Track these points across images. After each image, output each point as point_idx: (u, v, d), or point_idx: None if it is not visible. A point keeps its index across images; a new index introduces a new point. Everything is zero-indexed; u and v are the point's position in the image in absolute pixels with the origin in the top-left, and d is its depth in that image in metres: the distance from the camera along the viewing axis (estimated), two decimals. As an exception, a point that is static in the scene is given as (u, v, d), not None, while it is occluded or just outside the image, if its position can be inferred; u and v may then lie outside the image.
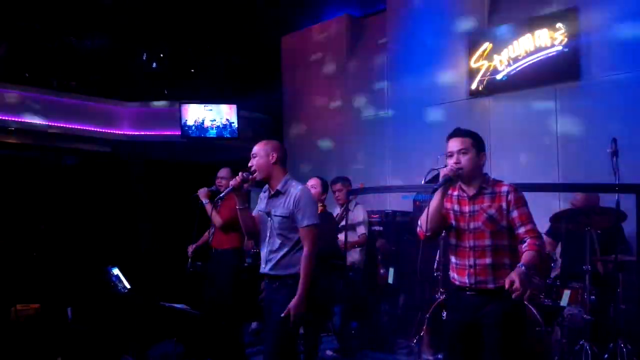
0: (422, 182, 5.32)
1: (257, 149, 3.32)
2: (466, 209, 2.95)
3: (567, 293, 4.36)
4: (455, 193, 3.02)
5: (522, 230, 2.82)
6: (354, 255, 5.59)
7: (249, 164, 3.30)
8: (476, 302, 2.88)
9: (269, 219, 3.28)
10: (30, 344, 5.33)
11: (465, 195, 2.97)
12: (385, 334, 5.68)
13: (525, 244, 2.80)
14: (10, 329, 5.75)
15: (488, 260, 2.86)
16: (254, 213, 3.42)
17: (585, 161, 5.37)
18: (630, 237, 4.41)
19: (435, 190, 2.92)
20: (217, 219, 5.17)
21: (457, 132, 2.98)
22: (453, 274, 3.04)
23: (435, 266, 4.98)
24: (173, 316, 4.95)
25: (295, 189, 3.25)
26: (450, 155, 2.94)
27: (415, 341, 4.94)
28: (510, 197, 2.86)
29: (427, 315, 4.64)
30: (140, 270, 6.53)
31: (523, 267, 2.68)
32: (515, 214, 2.84)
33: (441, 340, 4.50)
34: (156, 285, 6.20)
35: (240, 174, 3.23)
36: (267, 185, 3.37)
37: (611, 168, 3.97)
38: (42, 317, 6.06)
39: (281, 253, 3.23)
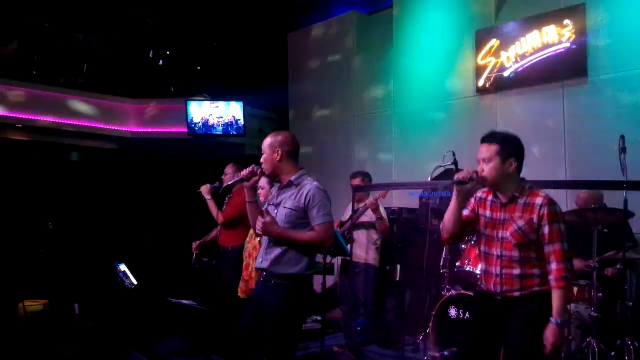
0: (429, 179, 5.31)
1: (264, 143, 3.22)
2: (497, 216, 2.87)
3: (574, 290, 4.35)
4: (490, 198, 2.94)
5: (548, 249, 2.73)
6: (370, 254, 5.53)
7: (261, 159, 3.22)
8: (502, 307, 2.81)
9: (276, 211, 3.16)
10: (38, 339, 5.36)
11: (498, 202, 2.88)
12: (391, 330, 5.68)
13: (552, 278, 2.70)
14: (18, 324, 5.79)
15: (515, 271, 2.79)
16: (264, 208, 3.33)
17: (592, 158, 5.35)
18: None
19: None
20: (218, 216, 5.16)
21: (485, 137, 2.88)
22: (480, 280, 3.01)
23: (441, 263, 4.97)
24: (180, 312, 4.98)
25: (309, 184, 3.14)
26: (478, 162, 2.87)
27: (421, 338, 4.94)
28: (543, 211, 2.74)
29: (433, 312, 4.64)
30: (147, 266, 6.57)
31: (555, 323, 2.65)
32: (545, 229, 2.73)
33: (447, 337, 4.51)
34: (163, 281, 6.23)
35: (252, 166, 3.19)
36: None
37: (619, 165, 3.95)
38: (49, 313, 6.10)
39: (283, 248, 3.08)
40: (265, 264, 3.12)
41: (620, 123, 5.02)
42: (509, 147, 2.84)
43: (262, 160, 3.21)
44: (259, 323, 3.09)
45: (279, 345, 3.02)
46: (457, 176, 2.82)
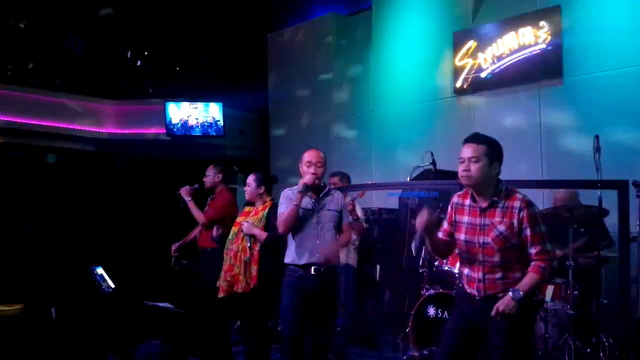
0: (407, 179, 5.33)
1: (321, 158, 3.76)
2: (476, 221, 2.85)
3: (550, 288, 4.40)
4: (467, 202, 2.91)
5: (533, 250, 2.72)
6: (349, 255, 5.50)
7: (313, 172, 3.69)
8: (484, 307, 2.78)
9: (317, 214, 3.72)
10: (14, 345, 5.27)
11: (477, 206, 2.86)
12: (370, 330, 5.69)
13: (532, 265, 2.71)
14: (-7, 330, 5.69)
15: (498, 275, 2.79)
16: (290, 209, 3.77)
17: (568, 158, 5.43)
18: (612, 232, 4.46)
19: (420, 237, 2.97)
20: (200, 217, 5.14)
21: (472, 138, 2.85)
22: (463, 283, 2.98)
23: (420, 262, 4.99)
24: (158, 315, 4.93)
25: (337, 192, 3.92)
26: (462, 161, 2.81)
27: (400, 337, 4.96)
28: (523, 214, 2.72)
29: (413, 312, 4.66)
30: (124, 270, 6.49)
31: (513, 297, 2.63)
32: (527, 232, 2.72)
33: (427, 336, 4.53)
34: (141, 284, 6.16)
35: (312, 177, 3.72)
36: (299, 187, 3.73)
37: (593, 164, 4.01)
38: (26, 318, 6.00)
39: (331, 244, 3.71)
40: (323, 260, 3.69)
41: (595, 123, 5.10)
42: (495, 150, 2.83)
43: (319, 173, 3.75)
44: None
45: (332, 321, 3.92)
46: (419, 227, 2.92)
